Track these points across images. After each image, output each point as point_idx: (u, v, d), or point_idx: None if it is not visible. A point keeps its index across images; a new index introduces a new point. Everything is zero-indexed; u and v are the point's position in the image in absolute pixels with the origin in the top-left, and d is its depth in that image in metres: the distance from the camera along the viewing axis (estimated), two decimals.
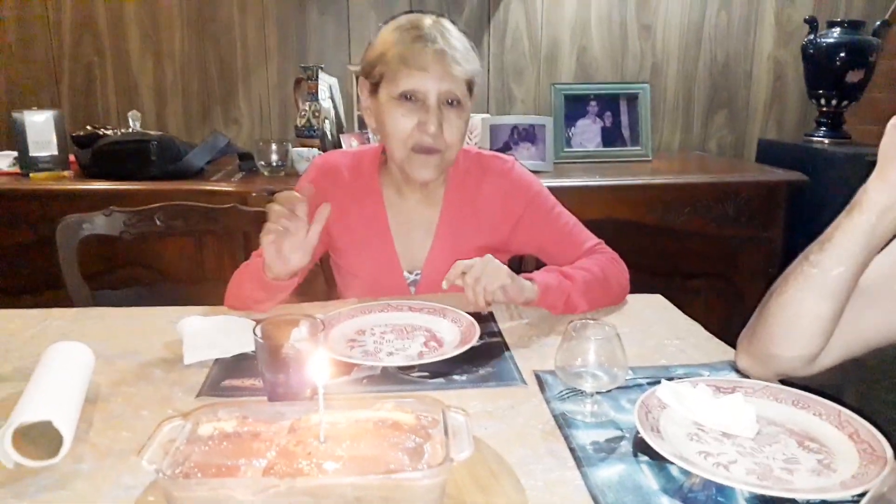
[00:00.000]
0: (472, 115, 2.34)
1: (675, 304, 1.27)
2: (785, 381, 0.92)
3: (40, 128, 2.11)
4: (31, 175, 2.09)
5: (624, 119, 2.54)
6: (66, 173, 2.13)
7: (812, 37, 2.41)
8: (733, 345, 1.01)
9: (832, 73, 2.38)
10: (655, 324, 1.18)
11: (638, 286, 1.30)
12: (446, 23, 1.24)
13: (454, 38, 1.21)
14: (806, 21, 2.43)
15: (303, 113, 2.29)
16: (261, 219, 1.13)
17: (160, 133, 2.25)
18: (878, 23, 2.38)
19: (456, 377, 0.96)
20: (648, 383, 0.92)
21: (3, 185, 2.01)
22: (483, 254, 1.25)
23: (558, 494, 0.70)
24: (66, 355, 0.91)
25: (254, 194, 1.94)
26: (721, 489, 0.69)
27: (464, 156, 1.35)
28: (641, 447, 0.77)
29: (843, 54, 2.35)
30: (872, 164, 0.85)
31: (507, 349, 1.06)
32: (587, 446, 0.79)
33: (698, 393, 0.83)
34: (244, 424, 0.68)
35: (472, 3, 2.57)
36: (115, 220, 1.51)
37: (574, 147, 2.51)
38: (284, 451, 0.63)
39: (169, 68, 2.55)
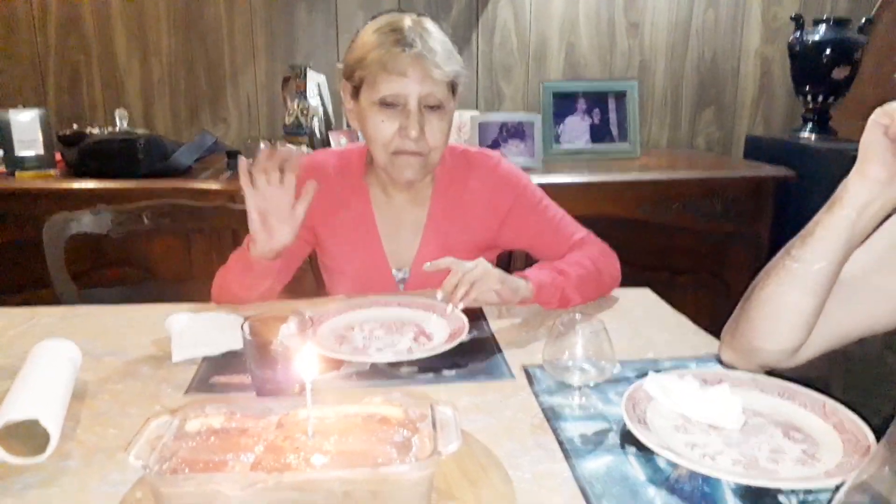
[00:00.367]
0: (460, 112, 2.37)
1: (663, 299, 1.28)
2: (771, 372, 0.93)
3: (26, 127, 2.09)
4: (16, 174, 2.07)
5: (612, 116, 2.55)
6: (52, 172, 2.11)
7: (798, 34, 2.43)
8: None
9: (818, 70, 2.39)
10: (643, 317, 1.18)
11: (627, 281, 1.31)
12: (427, 23, 1.22)
13: (434, 39, 1.19)
14: (792, 19, 2.45)
15: (291, 111, 2.29)
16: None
17: (147, 132, 2.24)
18: (864, 20, 2.40)
19: (445, 372, 0.97)
20: (636, 376, 0.92)
21: None
22: (472, 251, 1.26)
23: (546, 486, 0.70)
24: (53, 353, 0.90)
25: (242, 193, 1.93)
26: (707, 480, 0.70)
27: (450, 153, 1.35)
28: (629, 439, 0.77)
29: (829, 51, 2.37)
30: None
31: (496, 344, 1.06)
32: (575, 439, 0.79)
33: (685, 385, 0.83)
34: (232, 420, 0.67)
35: (460, 2, 2.57)
36: (102, 219, 1.51)
37: (563, 144, 2.52)
38: (272, 446, 0.63)
39: (156, 67, 2.53)
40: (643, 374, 0.88)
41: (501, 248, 1.41)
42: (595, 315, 0.89)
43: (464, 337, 1.03)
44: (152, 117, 2.57)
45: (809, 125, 2.50)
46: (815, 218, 0.88)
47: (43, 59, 2.48)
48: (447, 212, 1.34)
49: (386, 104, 1.19)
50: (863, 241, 0.88)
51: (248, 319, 0.87)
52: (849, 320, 0.92)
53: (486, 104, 2.65)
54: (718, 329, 1.04)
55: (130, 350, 1.04)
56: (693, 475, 0.71)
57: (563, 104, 2.53)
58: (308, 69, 2.28)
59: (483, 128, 2.32)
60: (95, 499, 0.68)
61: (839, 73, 2.38)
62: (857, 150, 0.85)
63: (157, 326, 1.08)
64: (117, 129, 2.26)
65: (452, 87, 1.24)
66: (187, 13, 2.50)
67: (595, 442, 0.78)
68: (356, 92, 1.24)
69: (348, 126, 2.36)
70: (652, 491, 0.69)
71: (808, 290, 0.88)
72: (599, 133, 2.54)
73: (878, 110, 0.81)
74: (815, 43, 2.39)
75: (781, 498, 0.67)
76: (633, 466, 0.73)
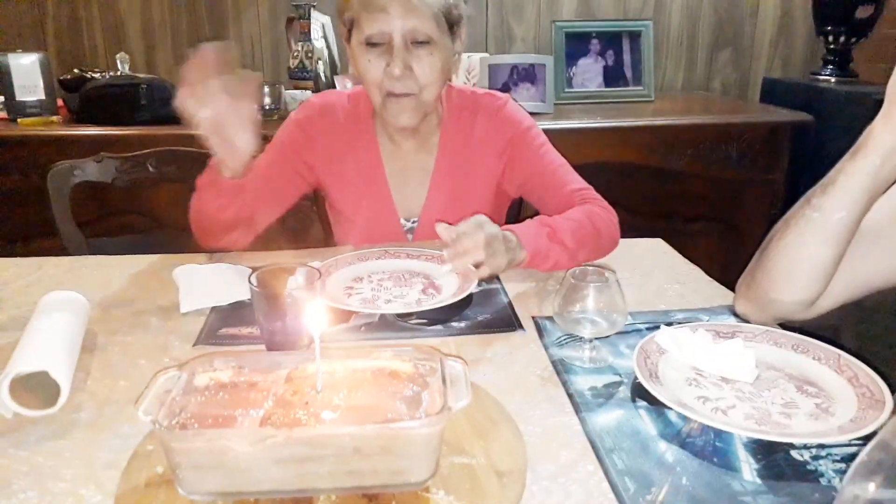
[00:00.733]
0: (469, 54, 2.29)
1: (675, 248, 1.26)
2: (783, 325, 0.92)
3: (26, 71, 2.06)
4: (18, 120, 2.04)
5: (626, 58, 2.47)
6: (54, 118, 2.09)
7: None
8: (734, 289, 1.00)
9: (841, 9, 2.31)
10: (655, 268, 1.17)
11: (639, 229, 1.28)
12: None
13: None
14: None
15: (295, 54, 2.23)
16: None
17: (150, 76, 2.19)
18: None
19: (454, 324, 0.96)
20: (647, 328, 0.91)
21: None
22: (481, 199, 1.22)
23: (556, 440, 0.70)
24: (60, 305, 0.90)
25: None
26: (719, 434, 0.69)
27: (459, 95, 1.31)
28: (640, 393, 0.77)
29: None
30: (879, 104, 0.82)
31: (506, 295, 1.05)
32: (585, 392, 0.78)
33: (697, 338, 0.82)
34: (240, 374, 0.67)
35: None
36: (106, 167, 1.49)
37: (575, 87, 2.45)
38: (281, 400, 0.63)
39: (157, 8, 2.46)
40: (654, 327, 0.88)
41: (509, 196, 1.38)
42: (607, 266, 0.88)
43: (473, 288, 1.02)
44: (154, 60, 2.51)
45: (830, 67, 2.42)
46: (838, 165, 0.85)
47: (41, 2, 2.41)
48: (455, 158, 1.31)
49: (372, 44, 1.15)
50: (886, 190, 0.85)
51: (255, 271, 0.85)
52: (870, 270, 0.90)
53: (497, 45, 2.58)
54: (731, 277, 1.02)
55: (138, 301, 1.03)
56: (705, 429, 0.70)
57: (576, 45, 2.45)
58: (312, 9, 2.21)
59: (493, 70, 2.26)
60: (108, 451, 0.68)
61: (863, 12, 2.29)
62: (880, 93, 0.82)
63: (165, 277, 1.08)
64: (119, 73, 2.21)
65: (446, 20, 1.18)
66: None
67: (606, 395, 0.78)
68: (349, 36, 1.20)
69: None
70: (663, 445, 0.69)
71: (828, 241, 0.86)
72: (613, 75, 2.47)
73: None
74: None
75: (794, 452, 0.67)
76: (644, 420, 0.73)
